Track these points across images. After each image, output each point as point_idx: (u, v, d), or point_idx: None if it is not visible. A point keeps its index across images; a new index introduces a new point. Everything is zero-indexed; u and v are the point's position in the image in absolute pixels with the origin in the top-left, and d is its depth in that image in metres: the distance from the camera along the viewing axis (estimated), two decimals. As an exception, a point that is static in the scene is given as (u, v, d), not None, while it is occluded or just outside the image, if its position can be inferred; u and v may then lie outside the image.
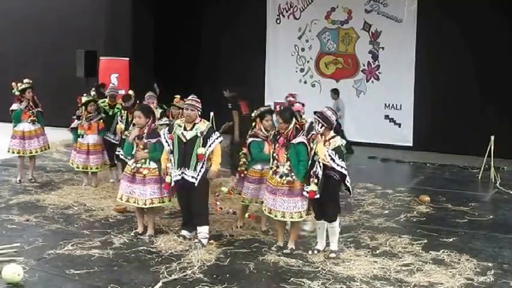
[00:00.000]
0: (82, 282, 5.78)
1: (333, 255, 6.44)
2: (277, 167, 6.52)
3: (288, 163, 6.45)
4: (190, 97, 6.98)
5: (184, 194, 6.90)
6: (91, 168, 9.46)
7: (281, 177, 6.46)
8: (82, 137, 9.33)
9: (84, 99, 9.40)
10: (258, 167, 7.19)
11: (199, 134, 6.75)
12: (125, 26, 14.99)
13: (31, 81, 9.70)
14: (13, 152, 9.80)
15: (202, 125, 6.83)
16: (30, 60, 16.89)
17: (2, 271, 5.68)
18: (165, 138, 6.87)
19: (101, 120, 9.47)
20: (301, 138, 6.51)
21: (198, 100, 6.92)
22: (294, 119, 6.56)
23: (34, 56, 16.91)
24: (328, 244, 6.60)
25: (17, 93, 9.57)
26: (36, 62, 16.73)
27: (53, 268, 6.09)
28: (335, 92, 14.09)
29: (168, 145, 6.83)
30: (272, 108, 7.26)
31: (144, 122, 6.99)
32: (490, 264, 6.34)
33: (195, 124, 6.80)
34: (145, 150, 6.97)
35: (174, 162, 6.79)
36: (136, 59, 14.90)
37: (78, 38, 15.66)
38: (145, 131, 7.00)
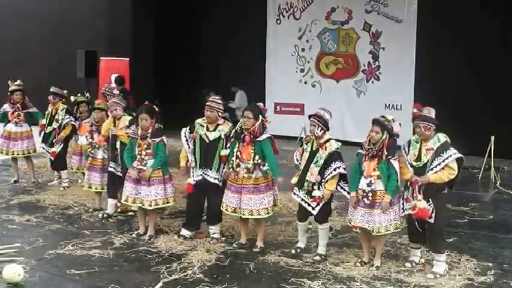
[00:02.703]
0: (82, 282, 5.79)
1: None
2: (238, 165, 6.55)
3: (256, 158, 6.52)
4: (211, 98, 7.02)
5: (199, 195, 6.96)
6: (84, 169, 8.95)
7: (245, 173, 6.51)
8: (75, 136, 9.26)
9: (72, 98, 9.25)
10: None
11: (223, 136, 6.81)
12: (125, 26, 15.02)
13: (22, 84, 9.57)
14: (1, 152, 9.79)
15: (225, 127, 6.88)
16: (30, 61, 16.91)
17: (3, 271, 5.69)
18: (186, 137, 6.96)
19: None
20: (267, 135, 6.61)
21: (219, 102, 6.94)
22: (260, 116, 6.59)
23: (34, 56, 16.92)
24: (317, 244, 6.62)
25: (9, 93, 9.54)
26: (36, 62, 16.75)
27: (54, 268, 6.10)
28: (237, 87, 14.45)
29: (188, 144, 6.92)
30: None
31: (149, 124, 6.99)
32: (490, 264, 6.34)
33: (218, 125, 6.85)
34: (149, 151, 6.96)
35: (196, 162, 6.86)
36: (136, 59, 14.94)
37: (78, 38, 15.66)
38: (150, 131, 7.01)
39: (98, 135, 8.03)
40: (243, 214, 6.62)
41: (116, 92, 9.06)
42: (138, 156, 6.99)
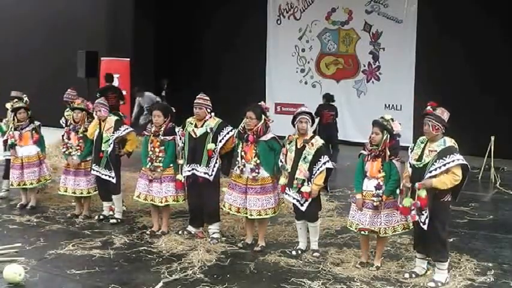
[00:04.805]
0: (83, 282, 5.80)
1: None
2: (244, 165, 6.59)
3: (255, 159, 6.54)
4: (198, 95, 7.07)
5: (195, 192, 7.02)
6: (24, 184, 8.35)
7: (250, 173, 6.54)
8: (13, 147, 8.29)
9: (8, 105, 8.40)
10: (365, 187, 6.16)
11: (208, 130, 6.86)
12: (126, 26, 15.04)
13: None
14: None
15: (212, 122, 6.94)
16: (31, 61, 16.93)
17: (3, 271, 5.71)
18: (178, 135, 7.10)
19: (34, 131, 8.36)
20: (271, 135, 6.66)
21: (206, 98, 7.03)
22: (263, 116, 6.63)
23: (35, 56, 16.93)
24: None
25: None
26: (37, 62, 16.76)
27: (54, 268, 6.11)
28: (139, 90, 14.16)
29: (182, 142, 7.03)
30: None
31: (162, 121, 7.10)
32: (490, 264, 6.34)
33: (205, 121, 6.92)
34: (162, 148, 7.07)
35: (185, 158, 6.96)
36: (137, 60, 14.95)
37: (79, 38, 15.68)
38: (162, 129, 7.09)
39: (74, 134, 7.84)
40: (251, 214, 6.64)
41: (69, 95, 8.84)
42: (150, 153, 7.09)
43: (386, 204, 5.99)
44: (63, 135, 8.10)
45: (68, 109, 8.71)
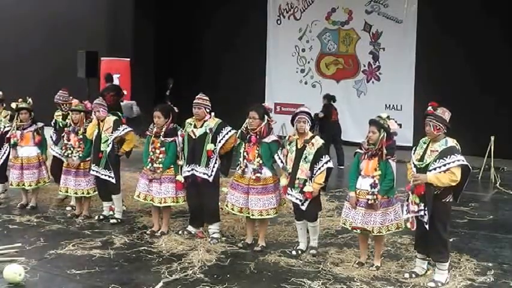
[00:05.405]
0: (83, 282, 5.80)
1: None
2: (246, 166, 6.60)
3: (258, 159, 6.55)
4: (198, 95, 7.07)
5: (194, 192, 7.02)
6: (23, 185, 8.32)
7: (252, 173, 6.55)
8: (15, 147, 8.27)
9: (13, 105, 8.34)
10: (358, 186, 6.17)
11: (208, 131, 6.86)
12: (126, 26, 15.05)
13: None
14: None
15: (212, 122, 6.94)
16: (31, 61, 16.92)
17: (4, 271, 5.71)
18: (179, 136, 7.11)
19: (37, 132, 8.33)
20: (274, 137, 6.67)
21: (206, 98, 7.03)
22: (266, 116, 6.64)
23: (35, 56, 16.93)
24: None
25: None
26: (37, 62, 16.76)
27: (54, 268, 6.11)
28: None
29: (181, 142, 7.05)
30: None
31: (163, 122, 7.09)
32: (490, 264, 6.35)
33: (205, 121, 6.92)
34: (162, 149, 7.07)
35: (185, 159, 6.97)
36: (137, 60, 14.96)
37: (79, 38, 15.68)
38: (164, 130, 7.08)
39: (74, 136, 7.85)
40: (253, 215, 6.65)
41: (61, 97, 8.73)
42: (151, 153, 7.10)
43: (382, 203, 6.00)
44: (63, 136, 8.09)
45: (58, 110, 8.66)
